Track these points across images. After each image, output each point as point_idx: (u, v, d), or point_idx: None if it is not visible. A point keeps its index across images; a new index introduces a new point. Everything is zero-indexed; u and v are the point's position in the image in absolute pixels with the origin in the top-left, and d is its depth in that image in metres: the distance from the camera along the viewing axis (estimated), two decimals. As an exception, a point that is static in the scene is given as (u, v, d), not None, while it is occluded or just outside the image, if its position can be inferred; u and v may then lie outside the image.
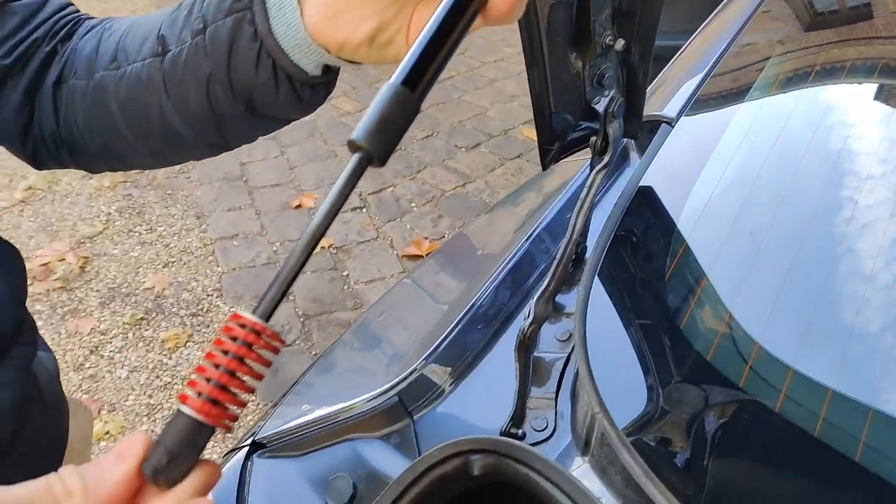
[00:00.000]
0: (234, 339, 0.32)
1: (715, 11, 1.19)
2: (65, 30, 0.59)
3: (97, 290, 2.45)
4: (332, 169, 3.20)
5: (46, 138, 0.60)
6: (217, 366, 0.32)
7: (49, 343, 0.76)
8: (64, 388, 0.76)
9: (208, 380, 0.32)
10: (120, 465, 0.30)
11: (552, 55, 0.56)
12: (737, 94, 0.86)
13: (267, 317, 0.33)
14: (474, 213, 3.10)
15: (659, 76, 1.03)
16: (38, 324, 2.22)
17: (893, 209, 0.68)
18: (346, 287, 2.54)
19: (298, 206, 2.92)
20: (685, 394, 0.57)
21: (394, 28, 0.45)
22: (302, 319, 2.37)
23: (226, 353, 0.32)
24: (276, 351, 0.33)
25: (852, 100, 0.88)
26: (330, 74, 0.53)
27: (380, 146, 0.33)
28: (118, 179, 3.03)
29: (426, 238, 2.79)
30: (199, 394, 0.32)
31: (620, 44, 0.57)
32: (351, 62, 0.50)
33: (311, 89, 0.52)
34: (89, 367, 2.15)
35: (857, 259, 0.66)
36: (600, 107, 0.61)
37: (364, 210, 2.94)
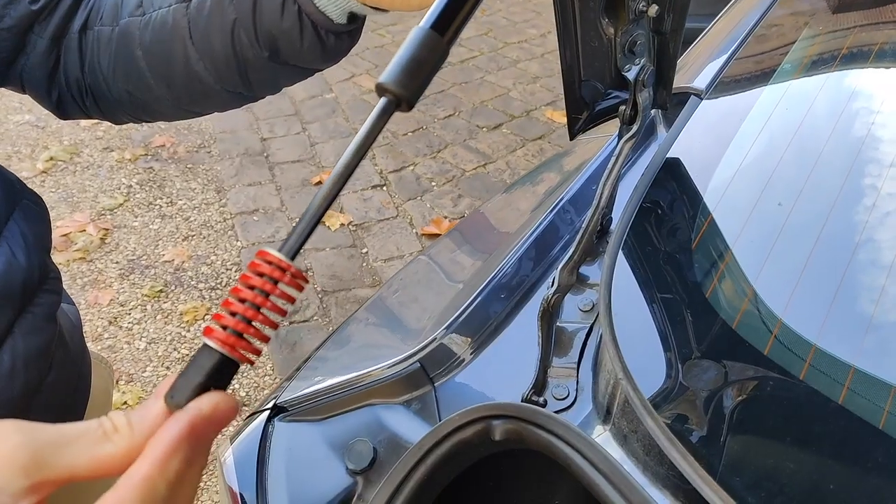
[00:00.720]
0: (259, 274, 0.32)
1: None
2: None
3: (117, 262, 2.49)
4: (351, 147, 3.20)
5: (71, 85, 0.61)
6: (242, 300, 0.32)
7: (68, 313, 0.78)
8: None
9: (233, 314, 0.32)
10: (158, 402, 0.31)
11: (584, 21, 0.56)
12: (765, 73, 0.84)
13: (292, 255, 0.33)
14: (494, 194, 3.09)
15: (685, 54, 1.02)
16: (62, 292, 2.27)
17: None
18: (364, 264, 2.55)
19: (319, 183, 2.93)
20: (707, 366, 0.57)
21: None
22: (320, 296, 2.39)
23: (251, 288, 0.32)
24: (300, 289, 0.33)
25: (881, 84, 0.86)
26: (355, 23, 0.53)
27: (408, 90, 0.33)
28: (139, 152, 3.06)
29: (446, 217, 2.79)
30: (224, 327, 0.32)
31: (654, 10, 0.57)
32: (377, 9, 0.50)
33: (335, 37, 0.52)
34: (108, 338, 2.19)
35: (881, 241, 0.65)
36: (631, 75, 0.60)
37: (384, 188, 2.94)
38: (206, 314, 2.28)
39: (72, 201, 2.75)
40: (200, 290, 2.38)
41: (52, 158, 2.99)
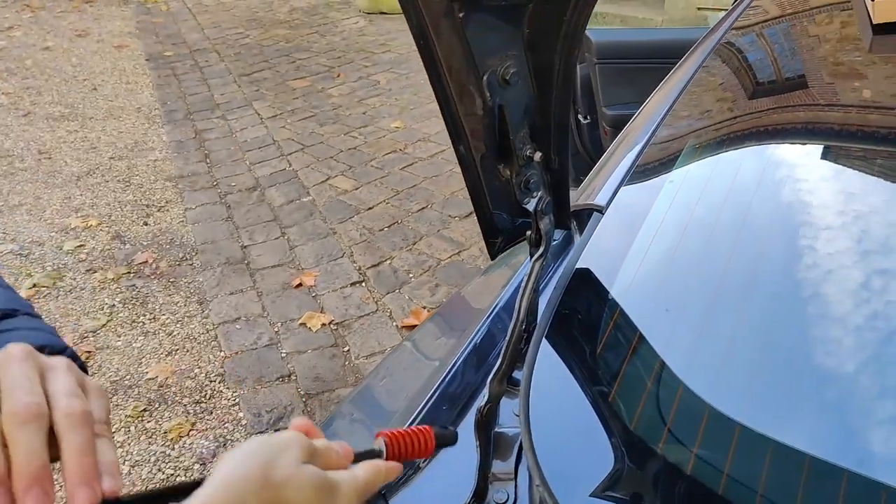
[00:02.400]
0: None
1: (652, 94, 1.30)
2: None
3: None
4: (331, 246, 3.30)
5: None
6: None
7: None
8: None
9: None
10: None
11: (483, 168, 0.65)
12: (661, 177, 0.95)
13: None
14: (470, 279, 3.16)
15: (599, 162, 1.13)
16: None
17: (801, 277, 0.75)
18: (347, 363, 2.59)
19: (299, 285, 3.01)
20: (619, 466, 0.62)
21: None
22: (304, 399, 2.41)
23: None
24: None
25: (770, 167, 0.96)
26: None
27: None
28: (122, 271, 3.13)
29: (424, 307, 2.86)
30: None
31: (538, 156, 0.66)
32: None
33: None
34: (93, 463, 2.16)
35: (763, 320, 0.73)
36: (530, 206, 0.69)
37: (363, 284, 3.02)
38: (191, 430, 2.29)
39: (55, 327, 2.79)
40: (185, 406, 2.39)
41: (35, 286, 3.06)
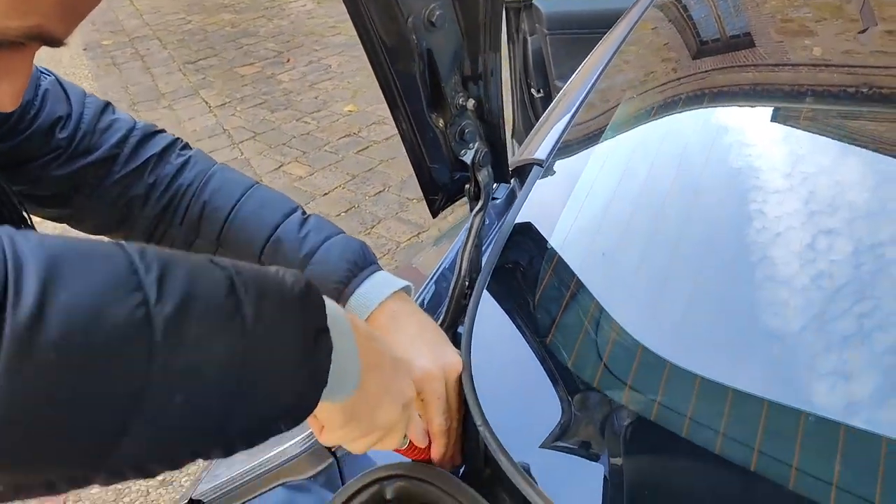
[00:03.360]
0: None
1: (593, 49, 1.31)
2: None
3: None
4: (285, 233, 3.26)
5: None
6: None
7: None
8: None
9: None
10: None
11: (415, 117, 0.65)
12: (596, 133, 0.96)
13: None
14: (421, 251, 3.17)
15: (541, 118, 1.14)
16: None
17: (733, 220, 0.77)
18: (306, 347, 2.57)
19: (255, 274, 2.97)
20: (563, 402, 0.63)
21: None
22: (264, 384, 2.39)
23: None
24: None
25: (709, 126, 0.98)
26: None
27: None
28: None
29: (383, 290, 2.85)
30: None
31: (472, 103, 0.66)
32: None
33: None
34: None
35: (694, 260, 0.75)
36: (467, 158, 0.69)
37: (320, 269, 3.00)
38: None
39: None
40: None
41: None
